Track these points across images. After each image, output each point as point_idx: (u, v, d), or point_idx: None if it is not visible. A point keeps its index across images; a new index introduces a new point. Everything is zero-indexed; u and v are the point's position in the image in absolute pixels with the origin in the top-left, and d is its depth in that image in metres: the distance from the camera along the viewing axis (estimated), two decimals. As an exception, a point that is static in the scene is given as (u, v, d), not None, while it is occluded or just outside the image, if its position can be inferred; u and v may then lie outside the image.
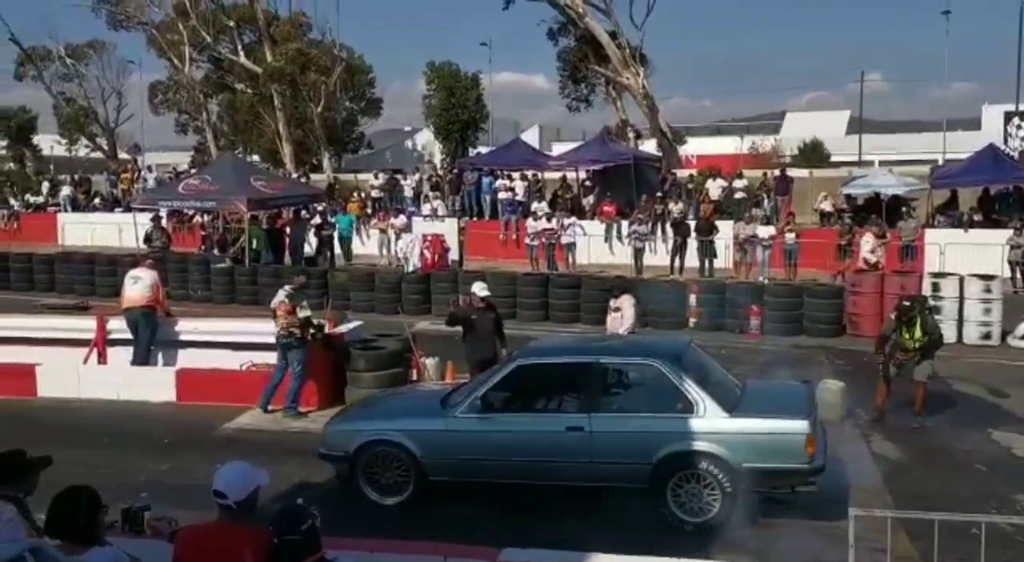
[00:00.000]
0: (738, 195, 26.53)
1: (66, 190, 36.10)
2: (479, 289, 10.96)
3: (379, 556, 5.16)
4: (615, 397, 8.22)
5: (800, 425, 7.51)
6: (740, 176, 27.91)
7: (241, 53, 43.06)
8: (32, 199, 36.94)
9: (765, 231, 21.74)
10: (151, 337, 13.05)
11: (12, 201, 36.48)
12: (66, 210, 34.40)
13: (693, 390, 7.68)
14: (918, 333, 10.37)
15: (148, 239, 23.99)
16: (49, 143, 49.40)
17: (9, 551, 3.82)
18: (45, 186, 38.07)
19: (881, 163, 38.27)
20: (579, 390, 8.16)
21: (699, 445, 7.50)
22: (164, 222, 26.19)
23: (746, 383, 8.67)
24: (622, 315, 11.55)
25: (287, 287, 11.58)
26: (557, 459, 7.71)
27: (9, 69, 47.94)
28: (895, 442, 10.10)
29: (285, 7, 43.85)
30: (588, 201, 27.28)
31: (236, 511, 4.30)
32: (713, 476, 7.43)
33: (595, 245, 24.26)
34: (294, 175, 35.00)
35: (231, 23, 42.40)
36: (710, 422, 7.55)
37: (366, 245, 26.62)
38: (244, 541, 4.11)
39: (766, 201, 26.20)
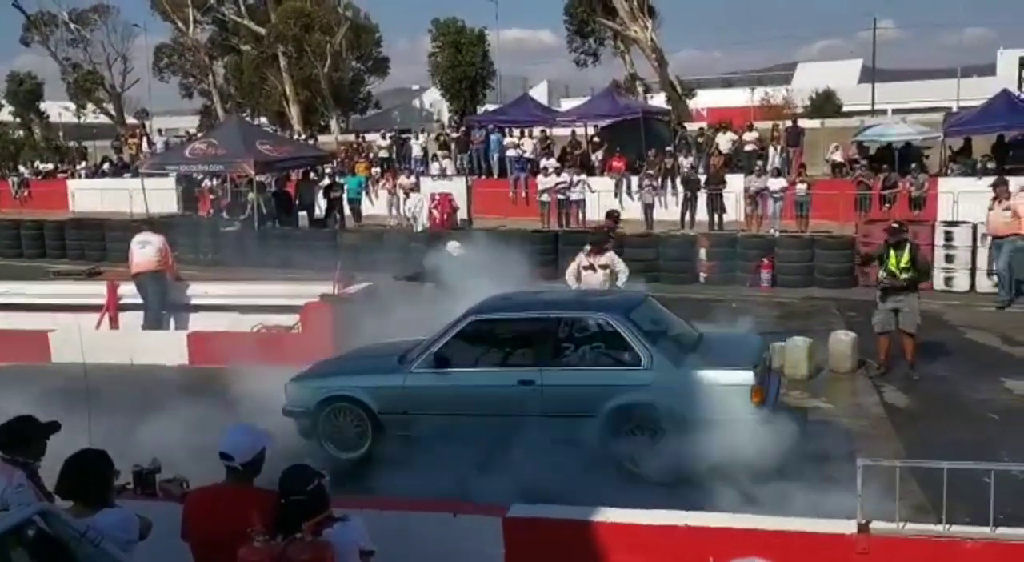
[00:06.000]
0: (749, 148, 26.29)
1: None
2: (453, 249, 10.90)
3: (388, 514, 5.19)
4: (566, 351, 8.18)
5: (745, 376, 7.56)
6: (751, 129, 27.63)
7: (245, 14, 42.71)
8: (41, 166, 37.03)
9: (776, 183, 21.56)
10: (162, 301, 13.10)
11: (22, 168, 36.56)
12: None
13: (641, 343, 7.76)
14: (906, 257, 10.35)
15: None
16: (56, 110, 49.32)
17: (19, 515, 3.85)
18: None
19: (894, 112, 37.80)
20: (531, 344, 8.23)
21: (646, 397, 7.61)
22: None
23: (702, 335, 8.69)
24: (612, 270, 11.37)
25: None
26: (510, 413, 7.70)
27: (14, 35, 47.92)
28: (907, 392, 10.08)
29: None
30: (597, 157, 27.09)
31: (242, 472, 4.34)
32: (660, 427, 7.53)
33: (605, 200, 24.07)
34: (302, 137, 34.88)
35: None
36: (657, 374, 7.66)
37: (375, 206, 26.56)
38: (251, 502, 4.14)
39: (775, 153, 25.95)
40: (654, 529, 5.00)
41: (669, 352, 7.86)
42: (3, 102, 48.03)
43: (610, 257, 11.44)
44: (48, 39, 47.01)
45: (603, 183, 24.80)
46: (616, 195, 24.76)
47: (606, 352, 7.97)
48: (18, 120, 47.95)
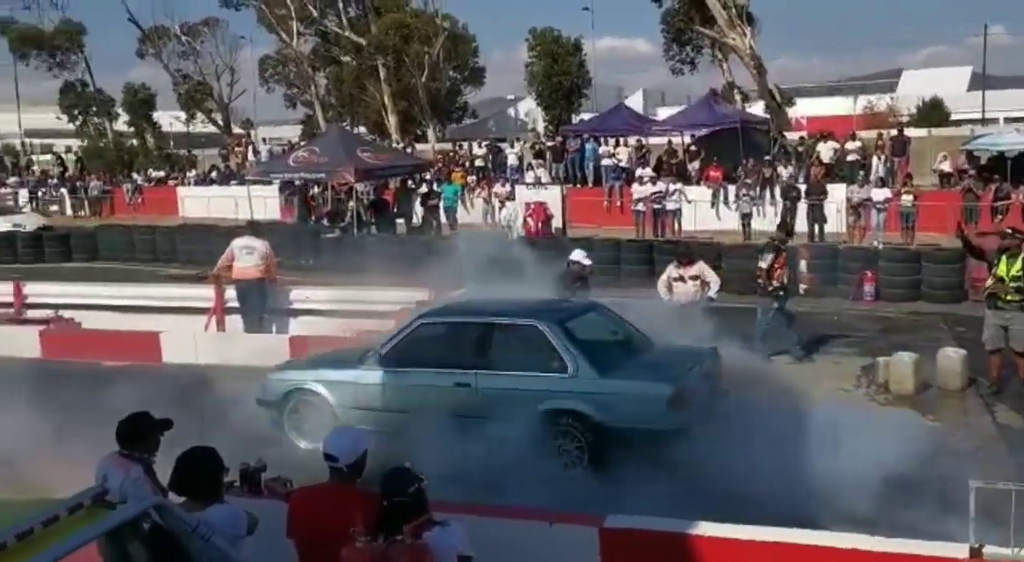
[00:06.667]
0: (851, 157, 25.63)
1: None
2: (581, 256, 10.93)
3: (486, 520, 5.22)
4: (501, 356, 8.45)
5: (662, 389, 7.79)
6: (853, 138, 26.94)
7: (347, 25, 43.71)
8: (153, 174, 38.60)
9: (880, 194, 20.94)
10: (263, 306, 13.44)
11: (136, 175, 38.16)
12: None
13: (569, 351, 8.08)
14: (1018, 265, 9.87)
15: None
16: (168, 119, 51.31)
17: (136, 508, 4.02)
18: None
19: (1006, 120, 36.29)
20: (470, 348, 8.56)
21: (570, 404, 7.92)
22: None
23: (650, 347, 8.88)
24: (703, 281, 11.28)
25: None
26: (449, 413, 8.00)
27: (130, 48, 50.12)
28: (1020, 412, 9.64)
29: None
30: (694, 166, 26.80)
31: (346, 473, 4.43)
32: (582, 434, 7.82)
33: (701, 211, 23.84)
34: (400, 146, 35.50)
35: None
36: (581, 382, 7.97)
37: (470, 214, 26.84)
38: (354, 502, 4.22)
39: (879, 163, 25.22)
40: (755, 545, 4.89)
41: (596, 361, 8.11)
42: (120, 112, 50.16)
43: (700, 268, 11.35)
44: (161, 52, 48.95)
45: (700, 193, 24.50)
46: (713, 205, 24.48)
47: (536, 358, 8.26)
48: (132, 129, 50.02)
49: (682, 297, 11.22)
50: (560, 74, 40.77)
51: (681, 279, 11.28)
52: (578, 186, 27.62)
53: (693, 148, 27.78)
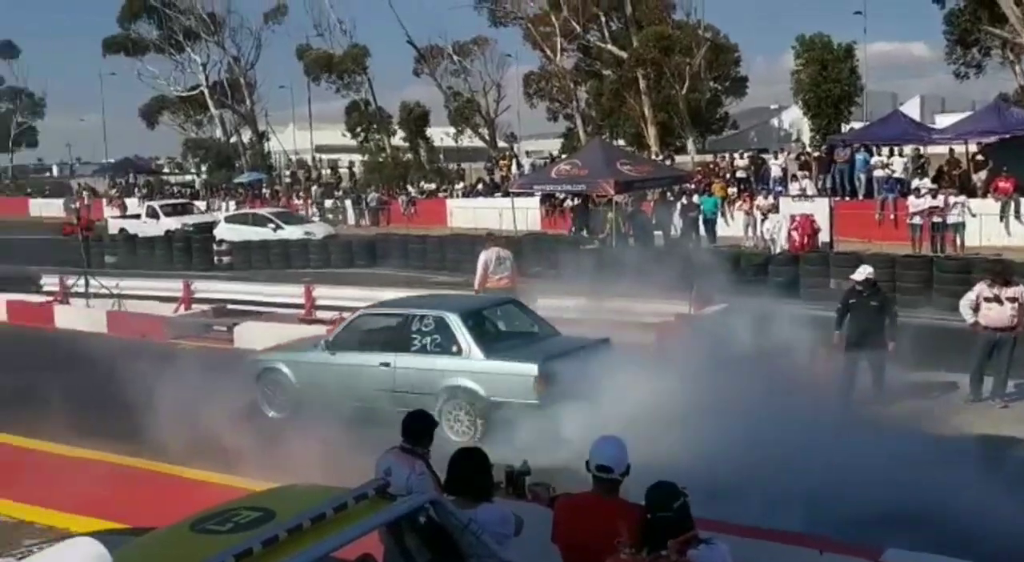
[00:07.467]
0: None
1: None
2: (858, 273, 10.45)
3: (750, 541, 5.09)
4: (415, 341, 10.14)
5: (529, 368, 9.37)
6: None
7: (608, 39, 44.26)
8: (425, 186, 40.98)
9: None
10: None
11: (410, 187, 40.68)
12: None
13: (465, 337, 9.74)
14: None
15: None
16: (439, 135, 54.26)
17: (416, 501, 4.29)
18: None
19: None
20: (394, 335, 10.38)
21: (460, 381, 9.65)
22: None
23: (551, 338, 10.38)
24: (1021, 304, 10.20)
25: None
26: (375, 389, 9.93)
27: (407, 68, 53.45)
28: None
29: (651, -9, 44.16)
30: (980, 177, 24.62)
31: (619, 483, 4.46)
32: (471, 406, 9.52)
33: (987, 225, 21.88)
34: (659, 158, 35.39)
35: (599, 11, 43.69)
36: (470, 363, 9.66)
37: (730, 226, 26.24)
38: (619, 515, 4.26)
39: None
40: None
41: (487, 345, 9.77)
42: (396, 128, 53.65)
43: (1019, 290, 10.32)
44: (435, 71, 51.81)
45: (986, 206, 22.52)
46: (1002, 219, 22.46)
47: (441, 343, 9.92)
48: (407, 144, 53.33)
49: (993, 320, 10.28)
50: (830, 81, 38.94)
51: (996, 300, 10.26)
52: (847, 198, 26.22)
53: (979, 157, 25.54)
